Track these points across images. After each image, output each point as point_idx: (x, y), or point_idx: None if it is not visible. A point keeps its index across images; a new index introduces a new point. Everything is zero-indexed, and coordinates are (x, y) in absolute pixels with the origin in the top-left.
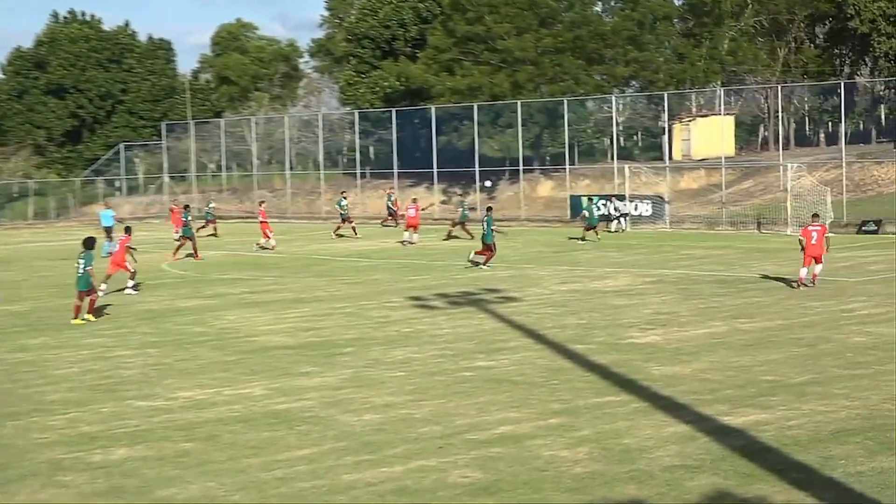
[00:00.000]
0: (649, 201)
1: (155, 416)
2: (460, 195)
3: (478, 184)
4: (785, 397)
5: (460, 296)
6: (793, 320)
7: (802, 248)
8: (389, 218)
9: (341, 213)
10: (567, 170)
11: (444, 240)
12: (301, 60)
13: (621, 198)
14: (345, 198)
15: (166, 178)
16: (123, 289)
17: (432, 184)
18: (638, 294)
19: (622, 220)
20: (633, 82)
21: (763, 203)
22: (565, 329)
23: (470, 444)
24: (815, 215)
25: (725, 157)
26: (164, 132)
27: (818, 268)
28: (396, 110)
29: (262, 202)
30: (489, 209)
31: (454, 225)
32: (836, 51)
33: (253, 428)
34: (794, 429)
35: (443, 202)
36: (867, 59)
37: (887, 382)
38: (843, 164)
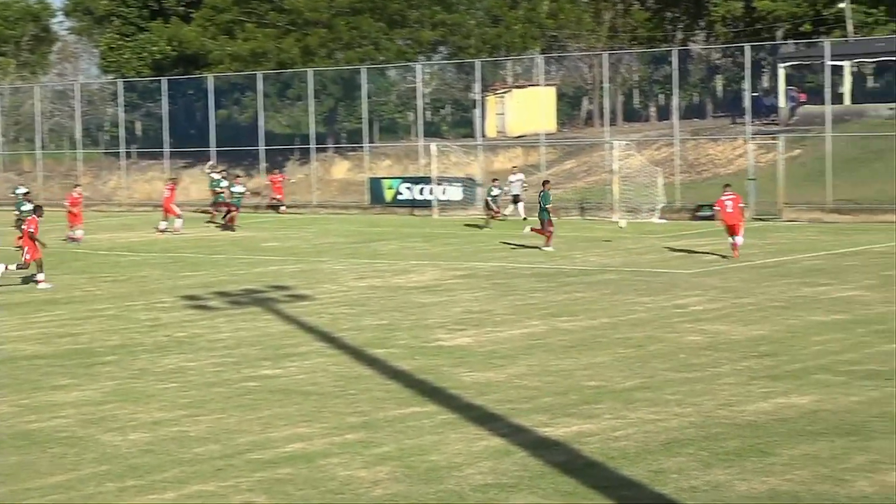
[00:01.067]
0: (460, 184)
1: None
2: (238, 176)
3: (262, 164)
4: (611, 405)
5: (243, 294)
6: (620, 318)
7: (721, 220)
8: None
9: (220, 196)
10: (366, 148)
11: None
12: (54, 21)
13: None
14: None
15: None
16: None
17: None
18: (446, 290)
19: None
20: (441, 48)
21: (587, 186)
22: (363, 331)
23: (254, 465)
24: (727, 185)
25: (545, 134)
26: None
27: (739, 239)
28: (167, 79)
29: (78, 186)
30: (546, 183)
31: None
32: (668, 14)
33: None
34: (622, 440)
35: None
36: (702, 24)
37: (723, 386)
38: (676, 142)
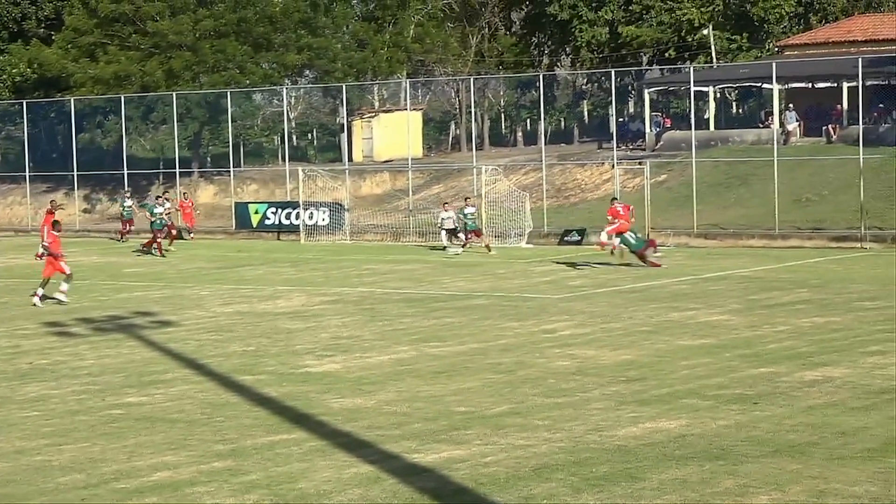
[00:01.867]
0: (326, 209)
1: None
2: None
3: (126, 189)
4: (481, 430)
5: (106, 321)
6: (489, 343)
7: (613, 222)
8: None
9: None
10: (232, 173)
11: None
12: None
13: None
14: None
15: None
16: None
17: (72, 189)
18: (314, 316)
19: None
20: (308, 72)
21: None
22: (230, 358)
23: (119, 495)
24: (614, 199)
25: (412, 159)
26: None
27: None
28: (28, 102)
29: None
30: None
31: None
32: (535, 39)
33: None
34: (492, 465)
35: (84, 210)
36: (568, 49)
37: (592, 411)
38: (544, 167)
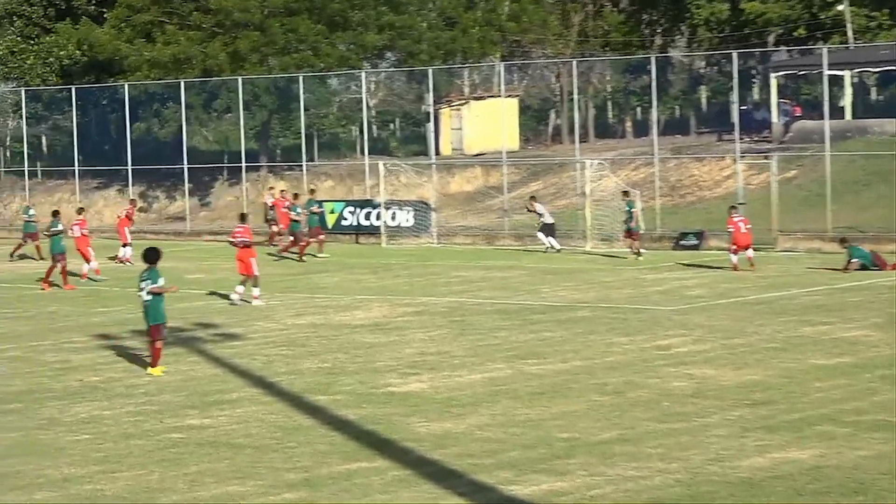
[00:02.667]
0: (411, 208)
1: None
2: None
3: (186, 186)
4: (585, 459)
5: (165, 333)
6: (595, 361)
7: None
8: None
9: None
10: (304, 167)
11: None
12: None
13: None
14: (31, 206)
15: None
16: None
17: (126, 185)
18: (397, 329)
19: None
20: (389, 54)
21: (556, 210)
22: (303, 375)
23: None
24: (733, 207)
25: (507, 152)
26: None
27: (751, 251)
28: (77, 88)
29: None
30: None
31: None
32: (646, 16)
33: None
34: (598, 499)
35: (140, 209)
36: (684, 28)
37: (712, 439)
38: (656, 161)
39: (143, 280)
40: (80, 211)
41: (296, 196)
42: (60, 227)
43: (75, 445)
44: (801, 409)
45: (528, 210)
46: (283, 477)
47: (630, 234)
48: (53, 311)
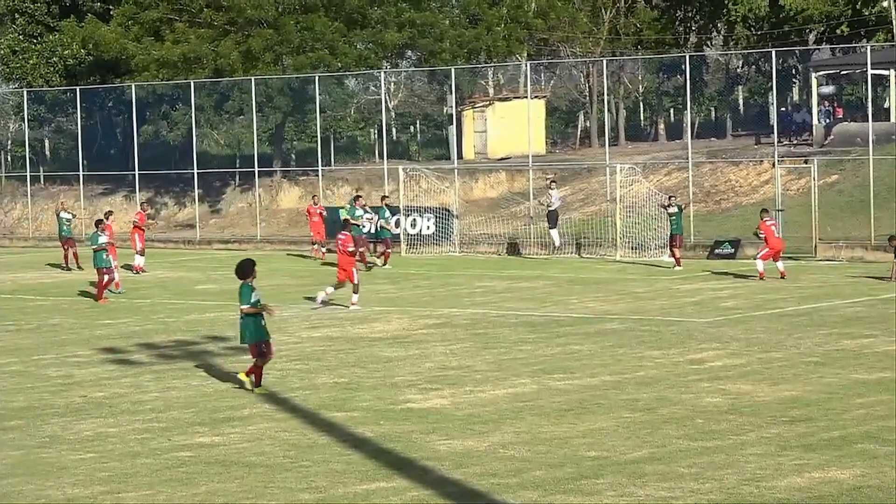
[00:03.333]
0: (432, 215)
1: None
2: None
3: (196, 192)
4: (615, 479)
5: (174, 346)
6: (625, 375)
7: (762, 239)
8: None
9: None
10: (320, 172)
11: None
12: None
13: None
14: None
15: None
16: None
17: (132, 191)
18: (417, 342)
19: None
20: (410, 53)
21: (585, 217)
22: (318, 391)
23: None
24: (765, 210)
25: (534, 156)
26: None
27: (780, 264)
28: (81, 89)
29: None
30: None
31: None
32: (680, 13)
33: None
34: None
35: (148, 216)
36: (719, 25)
37: (748, 458)
38: (690, 166)
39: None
40: (108, 216)
41: (356, 199)
42: (103, 240)
43: (79, 464)
44: (841, 427)
45: (548, 188)
46: (297, 497)
47: (676, 240)
48: (56, 324)
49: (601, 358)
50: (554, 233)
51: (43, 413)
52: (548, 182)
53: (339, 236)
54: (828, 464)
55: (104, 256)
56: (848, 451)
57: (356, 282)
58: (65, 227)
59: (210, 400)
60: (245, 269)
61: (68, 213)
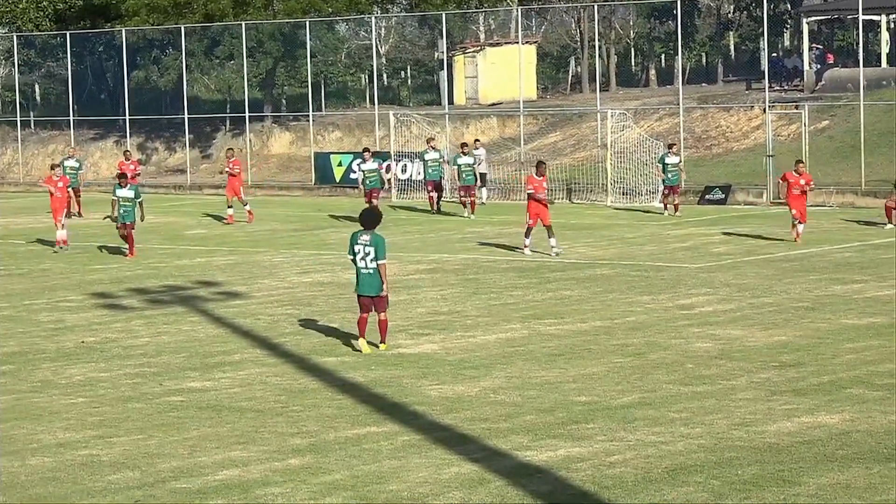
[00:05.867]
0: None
1: None
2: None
3: (187, 137)
4: (605, 424)
5: (164, 291)
6: (615, 321)
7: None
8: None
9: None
10: (311, 118)
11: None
12: None
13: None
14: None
15: None
16: None
17: (123, 136)
18: (408, 287)
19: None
20: None
21: (575, 163)
22: (309, 336)
23: (179, 496)
24: (800, 161)
25: (525, 102)
26: None
27: (801, 227)
28: (71, 34)
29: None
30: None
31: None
32: None
33: None
34: (618, 466)
35: (138, 161)
36: None
37: (738, 403)
38: (681, 112)
39: (362, 244)
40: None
41: (430, 140)
42: (123, 194)
43: (70, 409)
44: (831, 372)
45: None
46: (288, 442)
47: (673, 189)
48: (46, 269)
49: (591, 303)
50: (485, 191)
51: (34, 358)
52: (473, 141)
53: (533, 180)
54: (817, 408)
55: (125, 211)
56: (837, 395)
57: (549, 224)
58: (69, 175)
59: (201, 345)
60: (372, 218)
61: (75, 160)
